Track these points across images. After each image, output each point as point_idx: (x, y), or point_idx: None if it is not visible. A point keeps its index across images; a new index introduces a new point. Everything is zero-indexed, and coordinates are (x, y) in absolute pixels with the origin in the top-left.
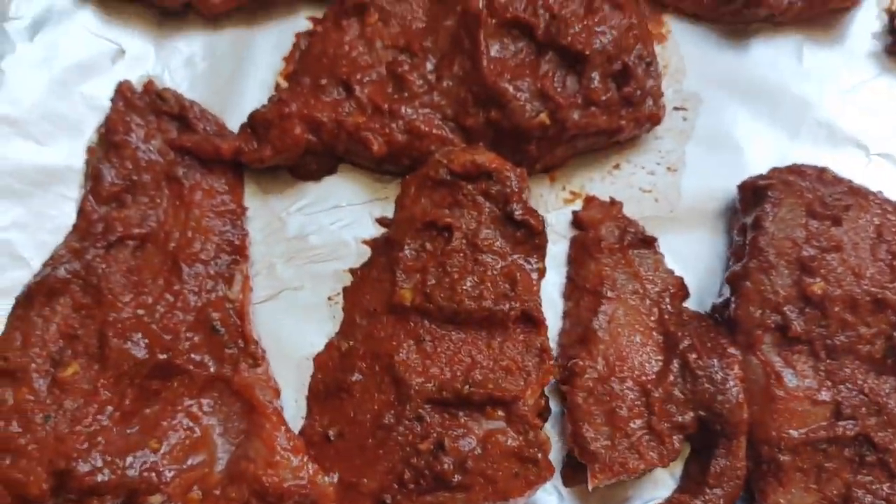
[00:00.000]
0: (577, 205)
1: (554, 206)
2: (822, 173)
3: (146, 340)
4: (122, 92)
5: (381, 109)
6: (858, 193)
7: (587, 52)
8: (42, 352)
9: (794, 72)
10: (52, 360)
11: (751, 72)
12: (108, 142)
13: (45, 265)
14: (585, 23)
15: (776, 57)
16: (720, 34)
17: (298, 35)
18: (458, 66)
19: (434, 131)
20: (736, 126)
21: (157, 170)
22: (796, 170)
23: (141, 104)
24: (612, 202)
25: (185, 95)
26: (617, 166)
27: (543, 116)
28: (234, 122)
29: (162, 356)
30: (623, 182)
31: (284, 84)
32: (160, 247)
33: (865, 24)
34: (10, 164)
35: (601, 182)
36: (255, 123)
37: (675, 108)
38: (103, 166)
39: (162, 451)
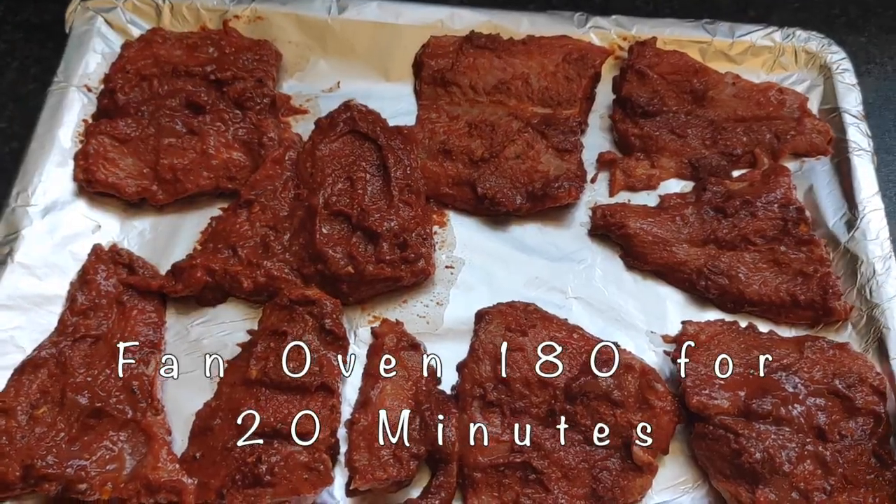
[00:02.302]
0: (377, 324)
1: (361, 325)
2: (527, 307)
3: (89, 395)
4: (95, 251)
5: (252, 263)
6: (546, 318)
7: (379, 231)
8: (25, 399)
9: (536, 245)
10: (31, 404)
11: (503, 242)
12: (82, 279)
13: (33, 350)
14: (382, 213)
15: (523, 234)
16: (483, 221)
17: (212, 218)
18: (303, 238)
19: (283, 276)
20: (485, 278)
21: (111, 297)
22: (511, 304)
23: (106, 258)
24: (397, 322)
25: (134, 253)
26: (405, 301)
27: (349, 268)
28: (165, 269)
29: (98, 405)
30: (408, 311)
31: (199, 248)
32: (107, 343)
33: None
34: (21, 291)
35: (393, 310)
36: (174, 269)
37: (446, 267)
38: (78, 293)
39: (91, 461)
